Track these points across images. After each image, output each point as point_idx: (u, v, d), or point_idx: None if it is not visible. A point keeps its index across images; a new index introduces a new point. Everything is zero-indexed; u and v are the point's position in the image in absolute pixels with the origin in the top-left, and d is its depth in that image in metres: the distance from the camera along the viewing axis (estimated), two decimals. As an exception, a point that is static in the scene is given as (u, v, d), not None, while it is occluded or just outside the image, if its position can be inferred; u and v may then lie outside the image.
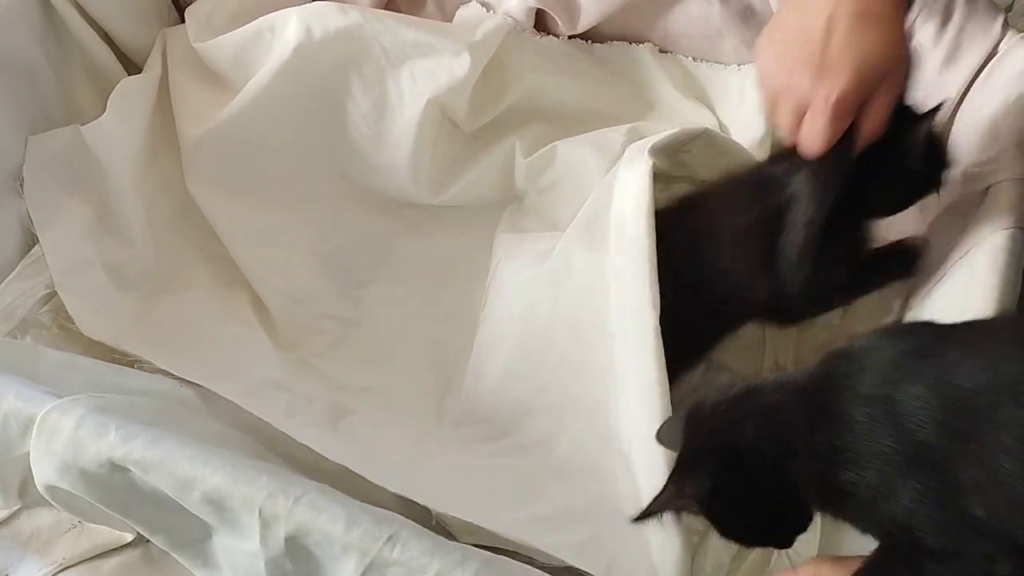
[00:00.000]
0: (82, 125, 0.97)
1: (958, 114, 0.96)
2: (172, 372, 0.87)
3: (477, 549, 0.63)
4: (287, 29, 0.99)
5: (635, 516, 0.62)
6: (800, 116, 0.71)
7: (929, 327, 0.60)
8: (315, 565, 0.66)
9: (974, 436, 0.53)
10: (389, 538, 0.62)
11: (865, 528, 0.58)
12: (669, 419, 0.68)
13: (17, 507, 0.84)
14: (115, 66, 1.04)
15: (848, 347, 0.60)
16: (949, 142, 0.89)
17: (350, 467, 0.78)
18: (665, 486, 0.62)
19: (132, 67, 1.07)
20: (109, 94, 1.01)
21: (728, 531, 0.63)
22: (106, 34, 1.04)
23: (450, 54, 0.98)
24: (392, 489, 0.77)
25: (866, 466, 0.55)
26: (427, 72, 0.99)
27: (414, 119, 0.99)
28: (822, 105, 0.68)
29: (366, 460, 0.79)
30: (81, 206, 0.96)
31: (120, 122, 1.00)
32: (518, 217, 1.05)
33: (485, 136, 1.05)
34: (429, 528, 0.66)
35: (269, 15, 1.01)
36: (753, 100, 1.01)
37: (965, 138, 0.89)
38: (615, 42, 1.07)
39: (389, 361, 0.97)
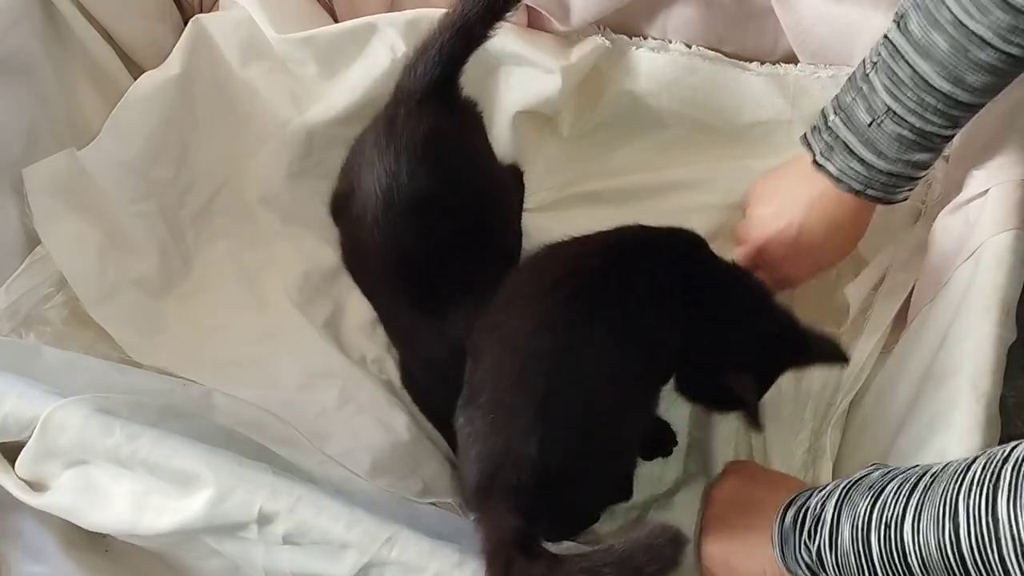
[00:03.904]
0: (80, 149, 0.97)
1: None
2: (227, 392, 0.86)
3: (476, 550, 0.63)
4: (388, 33, 1.01)
5: None
6: (755, 265, 0.85)
7: None
8: (314, 560, 0.67)
9: None
10: (388, 538, 0.62)
11: None
12: None
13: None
14: (117, 65, 1.04)
15: None
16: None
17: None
18: None
19: (134, 67, 1.06)
20: (111, 93, 1.01)
21: None
22: (108, 34, 1.03)
23: (543, 71, 1.01)
24: None
25: None
26: (520, 83, 1.03)
27: (505, 124, 1.03)
28: (773, 280, 0.83)
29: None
30: (90, 230, 0.96)
31: (121, 138, 0.99)
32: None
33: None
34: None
35: (370, 17, 1.04)
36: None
37: (967, 138, 0.89)
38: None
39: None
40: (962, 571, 0.52)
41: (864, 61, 0.78)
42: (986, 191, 0.82)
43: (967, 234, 0.81)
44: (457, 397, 0.74)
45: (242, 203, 1.05)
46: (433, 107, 0.88)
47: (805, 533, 0.64)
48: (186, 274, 1.01)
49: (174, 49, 1.05)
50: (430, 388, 0.89)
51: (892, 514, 0.58)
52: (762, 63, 1.04)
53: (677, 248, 0.80)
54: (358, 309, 0.98)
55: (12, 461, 0.74)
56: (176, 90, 1.03)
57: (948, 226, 0.86)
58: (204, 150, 1.05)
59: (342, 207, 0.92)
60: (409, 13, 1.03)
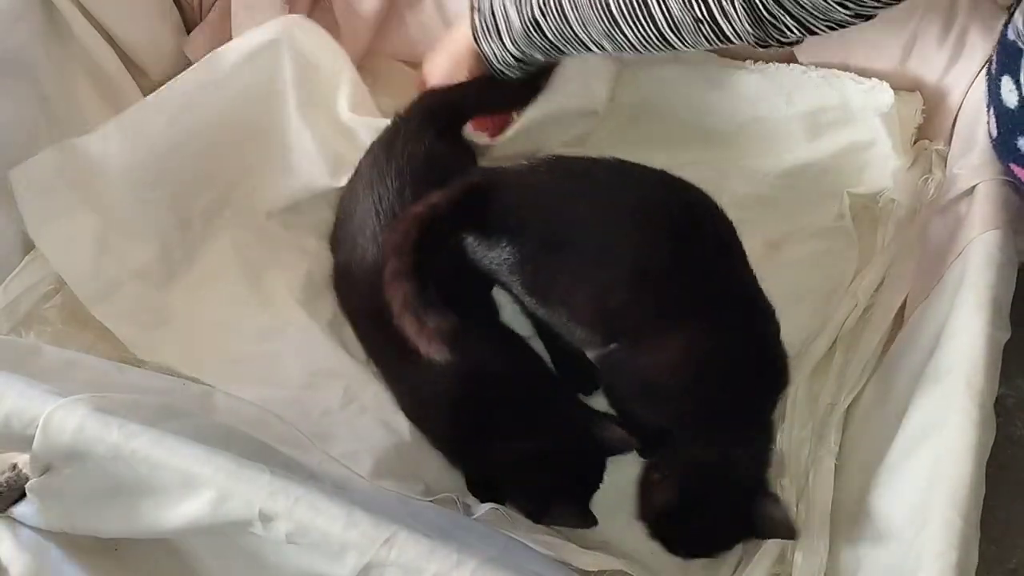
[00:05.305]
0: (79, 137, 0.96)
1: (960, 115, 0.96)
2: (228, 391, 0.87)
3: (473, 551, 0.64)
4: None
5: None
6: None
7: None
8: (314, 561, 0.67)
9: None
10: (387, 540, 0.63)
11: None
12: None
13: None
14: (117, 65, 1.04)
15: None
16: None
17: None
18: None
19: (134, 67, 1.06)
20: (111, 93, 1.02)
21: None
22: (108, 34, 1.04)
23: None
24: None
25: None
26: None
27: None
28: None
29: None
30: (84, 224, 0.95)
31: (135, 128, 0.98)
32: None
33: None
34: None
35: None
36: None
37: (962, 138, 0.89)
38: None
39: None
40: None
41: None
42: (973, 187, 0.83)
43: (957, 232, 0.82)
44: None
45: (250, 205, 1.05)
46: (431, 132, 0.90)
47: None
48: (188, 265, 1.00)
49: (262, 27, 1.03)
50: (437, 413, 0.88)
51: None
52: (756, 61, 1.04)
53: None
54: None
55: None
56: (218, 91, 1.01)
57: (939, 224, 0.86)
58: (225, 150, 1.04)
59: (337, 234, 0.93)
60: None
